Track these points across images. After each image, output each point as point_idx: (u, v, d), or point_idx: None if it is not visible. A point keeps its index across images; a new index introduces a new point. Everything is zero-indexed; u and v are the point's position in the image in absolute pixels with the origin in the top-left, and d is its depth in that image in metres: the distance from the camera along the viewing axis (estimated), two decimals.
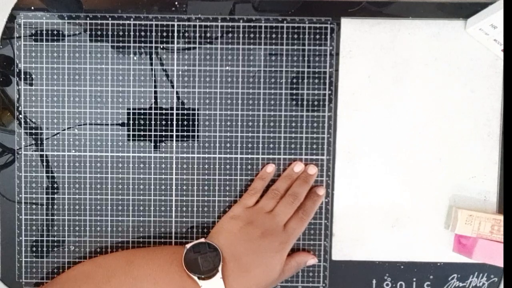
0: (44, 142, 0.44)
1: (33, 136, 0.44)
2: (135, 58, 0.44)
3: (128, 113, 0.44)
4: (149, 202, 0.45)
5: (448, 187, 0.45)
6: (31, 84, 0.44)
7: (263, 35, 0.44)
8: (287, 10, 0.44)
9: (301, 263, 0.43)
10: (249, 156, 0.45)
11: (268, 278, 0.40)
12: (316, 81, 0.44)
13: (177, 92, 0.44)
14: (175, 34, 0.44)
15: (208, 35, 0.44)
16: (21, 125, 0.44)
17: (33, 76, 0.44)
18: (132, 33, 0.44)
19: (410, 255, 0.45)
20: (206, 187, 0.45)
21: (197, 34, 0.44)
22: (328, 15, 0.44)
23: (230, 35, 0.44)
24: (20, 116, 0.44)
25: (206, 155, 0.44)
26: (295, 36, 0.44)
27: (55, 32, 0.43)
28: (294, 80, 0.44)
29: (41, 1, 0.43)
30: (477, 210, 0.44)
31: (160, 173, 0.44)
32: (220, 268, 0.38)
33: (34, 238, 0.44)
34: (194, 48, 0.44)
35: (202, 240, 0.40)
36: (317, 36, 0.44)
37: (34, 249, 0.45)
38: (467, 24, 0.44)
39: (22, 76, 0.44)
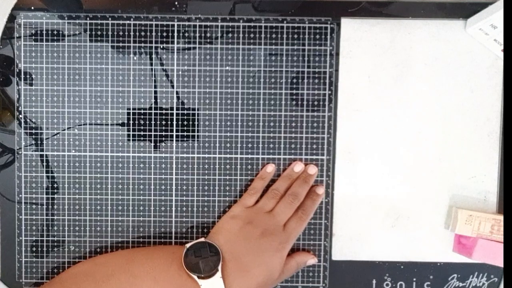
0: (44, 142, 0.44)
1: (33, 136, 0.44)
2: (135, 58, 0.44)
3: (128, 113, 0.44)
4: (149, 202, 0.45)
5: (448, 187, 0.45)
6: (31, 84, 0.44)
7: (263, 35, 0.44)
8: (287, 10, 0.44)
9: (301, 263, 0.43)
10: (249, 156, 0.45)
11: (267, 278, 0.40)
12: (316, 81, 0.44)
13: (177, 92, 0.44)
14: (175, 34, 0.44)
15: (208, 35, 0.44)
16: (21, 125, 0.44)
17: (33, 76, 0.44)
18: (132, 33, 0.44)
19: (410, 255, 0.45)
20: (206, 187, 0.45)
21: (197, 34, 0.44)
22: (328, 15, 0.44)
23: (230, 35, 0.44)
24: (20, 116, 0.44)
25: (206, 155, 0.44)
26: (295, 36, 0.44)
27: (55, 32, 0.44)
28: (294, 80, 0.44)
29: (41, 1, 0.43)
30: (477, 210, 0.44)
31: (160, 173, 0.44)
32: (219, 268, 0.38)
33: (34, 238, 0.44)
34: (194, 48, 0.44)
35: (202, 239, 0.40)
36: (317, 36, 0.44)
37: (34, 249, 0.45)
38: (467, 24, 0.44)
39: (22, 76, 0.44)
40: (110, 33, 0.44)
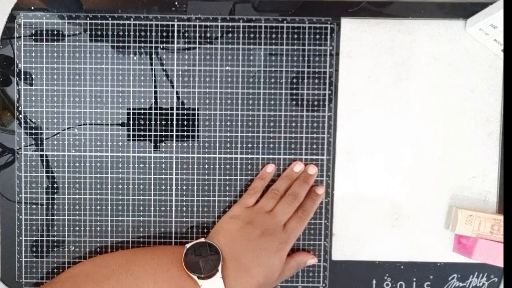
0: (44, 142, 0.44)
1: (33, 136, 0.44)
2: (135, 58, 0.44)
3: (128, 113, 0.44)
4: (149, 202, 0.45)
5: (448, 187, 0.45)
6: (31, 84, 0.44)
7: (263, 35, 0.44)
8: (287, 10, 0.44)
9: (301, 263, 0.43)
10: (249, 156, 0.45)
11: (268, 278, 0.40)
12: (316, 81, 0.44)
13: (177, 92, 0.44)
14: (175, 34, 0.44)
15: (208, 35, 0.44)
16: (21, 125, 0.44)
17: (33, 76, 0.44)
18: (132, 33, 0.44)
19: (410, 255, 0.45)
20: (206, 187, 0.45)
21: (197, 34, 0.44)
22: (328, 15, 0.44)
23: (230, 35, 0.44)
24: (20, 116, 0.44)
25: (206, 155, 0.44)
26: (295, 36, 0.44)
27: (55, 32, 0.44)
28: (294, 80, 0.44)
29: (41, 1, 0.43)
30: (477, 210, 0.44)
31: (160, 173, 0.44)
32: (220, 268, 0.38)
33: (34, 238, 0.44)
34: (194, 48, 0.44)
35: (202, 240, 0.40)
36: (317, 36, 0.44)
37: (34, 249, 0.45)
38: (467, 24, 0.44)
39: (22, 76, 0.44)
40: (110, 33, 0.44)
